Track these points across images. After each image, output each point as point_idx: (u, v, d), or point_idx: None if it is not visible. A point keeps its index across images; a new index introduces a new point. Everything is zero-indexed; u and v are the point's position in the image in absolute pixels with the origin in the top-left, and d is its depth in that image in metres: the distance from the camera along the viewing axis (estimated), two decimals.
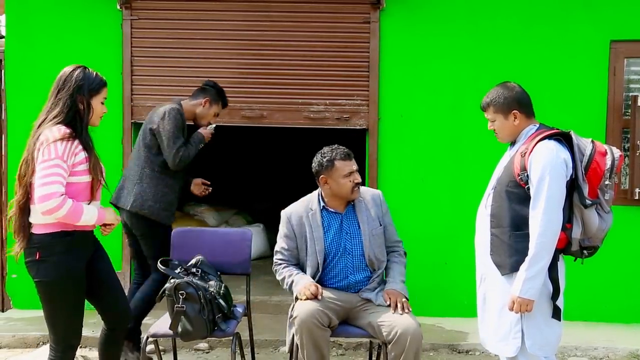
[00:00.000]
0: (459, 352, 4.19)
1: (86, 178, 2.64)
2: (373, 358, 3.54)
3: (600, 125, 4.66)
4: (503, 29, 4.69)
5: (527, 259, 2.56)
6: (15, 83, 4.80)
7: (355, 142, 4.46)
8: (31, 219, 2.64)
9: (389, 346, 2.88)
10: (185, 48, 4.75)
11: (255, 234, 5.61)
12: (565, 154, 2.62)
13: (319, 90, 4.73)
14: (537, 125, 2.78)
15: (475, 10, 4.69)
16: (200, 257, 3.33)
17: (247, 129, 6.35)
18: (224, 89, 4.76)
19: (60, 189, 2.53)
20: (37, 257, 2.63)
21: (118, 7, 4.73)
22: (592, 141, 2.66)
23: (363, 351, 4.16)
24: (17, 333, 4.27)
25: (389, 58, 4.72)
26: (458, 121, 4.70)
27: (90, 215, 2.64)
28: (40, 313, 4.62)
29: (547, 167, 2.56)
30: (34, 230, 2.64)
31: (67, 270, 2.65)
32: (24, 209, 2.63)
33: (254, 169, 8.54)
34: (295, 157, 8.30)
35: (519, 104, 2.78)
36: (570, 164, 2.62)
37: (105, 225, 2.80)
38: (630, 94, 4.68)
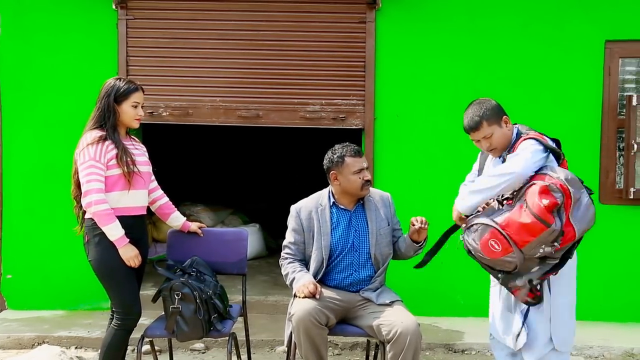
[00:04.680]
0: (455, 352, 4.19)
1: (117, 170, 2.99)
2: (370, 358, 3.55)
3: (595, 125, 4.68)
4: (499, 29, 4.69)
5: (479, 178, 2.77)
6: (11, 82, 4.78)
7: (351, 142, 4.45)
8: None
9: (388, 345, 2.88)
10: (181, 48, 4.75)
11: (251, 234, 5.62)
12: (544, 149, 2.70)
13: (315, 90, 4.73)
14: (516, 126, 2.86)
15: (471, 10, 4.70)
16: (196, 257, 3.32)
17: (243, 129, 6.35)
18: (220, 89, 4.78)
19: (96, 185, 2.95)
20: (87, 239, 3.05)
21: (114, 7, 4.71)
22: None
23: (359, 351, 4.16)
24: (12, 334, 4.26)
25: (385, 58, 4.72)
26: (454, 121, 4.69)
27: (113, 231, 2.97)
28: (35, 314, 4.67)
29: (526, 147, 2.68)
30: (86, 216, 3.05)
31: (107, 250, 2.98)
32: (77, 200, 3.08)
33: (250, 168, 8.54)
34: (292, 157, 8.34)
35: (503, 110, 2.86)
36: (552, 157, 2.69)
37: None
38: (625, 93, 4.69)
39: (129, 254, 3.00)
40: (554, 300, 2.72)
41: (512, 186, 2.65)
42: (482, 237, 2.59)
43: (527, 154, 2.63)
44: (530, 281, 2.59)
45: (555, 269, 2.61)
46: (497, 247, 2.54)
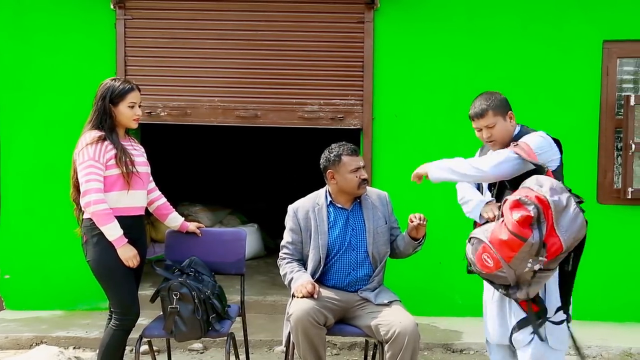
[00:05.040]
0: (453, 352, 4.20)
1: (116, 170, 2.99)
2: (368, 358, 3.55)
3: (593, 125, 4.68)
4: (497, 28, 4.70)
5: (461, 159, 2.75)
6: (9, 82, 4.78)
7: (349, 142, 4.46)
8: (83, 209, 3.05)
9: (386, 345, 2.88)
10: (179, 48, 4.74)
11: (249, 234, 5.61)
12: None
13: (314, 90, 4.73)
14: (519, 125, 2.88)
15: (469, 10, 4.70)
16: (194, 257, 3.32)
17: (241, 129, 6.35)
18: (219, 89, 4.79)
19: (95, 185, 2.94)
20: (85, 239, 3.05)
21: (112, 7, 4.71)
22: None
23: (357, 351, 4.16)
24: (10, 334, 4.25)
25: (383, 58, 4.72)
26: (453, 121, 4.71)
27: (112, 231, 2.96)
28: (33, 314, 4.66)
29: (504, 152, 2.69)
30: (84, 216, 3.05)
31: (105, 250, 2.98)
32: (77, 203, 3.07)
33: (249, 168, 8.54)
34: (290, 157, 8.34)
35: (509, 105, 2.87)
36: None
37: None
38: (623, 93, 4.70)
39: (128, 254, 2.99)
40: (548, 300, 2.72)
41: (480, 181, 2.82)
42: (477, 252, 2.59)
43: (501, 158, 2.65)
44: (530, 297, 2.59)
45: (567, 281, 2.62)
46: (489, 261, 2.54)
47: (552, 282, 2.67)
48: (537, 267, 2.45)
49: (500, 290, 2.64)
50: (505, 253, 2.47)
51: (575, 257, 2.60)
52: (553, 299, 2.68)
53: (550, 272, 2.52)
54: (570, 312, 2.69)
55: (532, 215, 2.41)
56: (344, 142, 3.19)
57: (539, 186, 2.50)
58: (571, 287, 2.65)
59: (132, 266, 3.03)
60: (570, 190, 2.54)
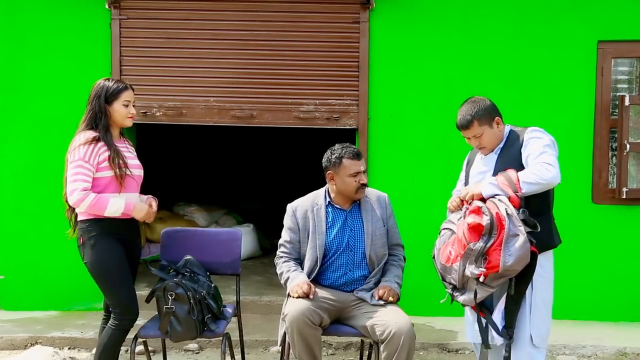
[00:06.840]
0: (449, 351, 4.20)
1: (110, 172, 2.97)
2: (364, 358, 3.55)
3: (588, 125, 4.70)
4: (492, 28, 4.71)
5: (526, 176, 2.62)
6: (3, 83, 4.76)
7: (344, 142, 4.46)
8: (76, 210, 3.04)
9: (382, 345, 2.88)
10: (175, 48, 4.74)
11: (245, 234, 5.62)
12: None
13: (309, 90, 4.73)
14: (508, 126, 2.90)
15: (464, 10, 4.71)
16: (189, 257, 3.31)
17: (237, 129, 6.35)
18: (214, 89, 4.78)
19: (81, 185, 2.91)
20: (81, 241, 3.03)
21: (107, 7, 4.70)
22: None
23: (353, 351, 4.17)
24: (5, 335, 4.24)
25: (379, 58, 4.73)
26: (448, 120, 4.69)
27: (116, 207, 2.95)
28: (28, 314, 4.65)
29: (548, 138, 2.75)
30: (78, 219, 3.05)
31: (102, 251, 2.98)
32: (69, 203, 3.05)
33: (244, 169, 8.54)
34: (286, 157, 8.34)
35: (496, 110, 2.88)
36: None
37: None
38: (618, 93, 4.72)
39: (143, 210, 3.04)
40: (534, 297, 2.75)
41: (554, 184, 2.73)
42: (446, 242, 2.69)
43: (551, 159, 2.69)
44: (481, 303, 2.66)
45: (511, 303, 2.67)
46: (452, 254, 2.63)
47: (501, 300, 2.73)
48: (474, 272, 2.52)
49: (447, 289, 2.71)
50: (458, 250, 2.59)
51: (517, 284, 2.64)
52: (498, 314, 2.75)
53: (490, 288, 2.59)
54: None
55: (483, 224, 2.51)
56: (347, 144, 3.17)
57: (505, 205, 2.55)
58: (515, 312, 2.71)
59: (150, 220, 3.08)
60: (527, 223, 2.55)
